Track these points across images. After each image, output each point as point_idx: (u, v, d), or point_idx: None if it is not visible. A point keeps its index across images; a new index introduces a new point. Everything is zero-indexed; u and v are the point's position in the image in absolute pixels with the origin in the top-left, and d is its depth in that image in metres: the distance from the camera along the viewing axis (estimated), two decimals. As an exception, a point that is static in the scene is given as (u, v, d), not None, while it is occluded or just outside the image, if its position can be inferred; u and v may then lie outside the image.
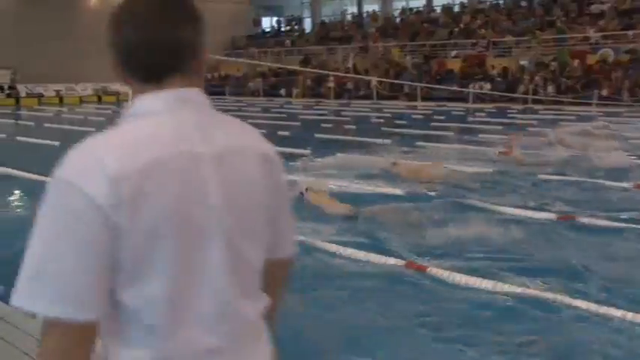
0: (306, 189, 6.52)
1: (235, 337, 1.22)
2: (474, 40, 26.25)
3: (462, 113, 18.76)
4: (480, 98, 22.10)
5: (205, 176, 1.16)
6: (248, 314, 1.25)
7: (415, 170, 8.16)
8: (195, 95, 1.22)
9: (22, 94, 28.08)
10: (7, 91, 27.81)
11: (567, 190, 7.36)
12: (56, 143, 11.16)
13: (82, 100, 28.93)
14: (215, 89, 31.53)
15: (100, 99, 29.64)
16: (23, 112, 22.94)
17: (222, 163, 1.18)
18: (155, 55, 1.19)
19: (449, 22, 29.39)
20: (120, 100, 28.52)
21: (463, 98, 22.27)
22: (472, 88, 22.14)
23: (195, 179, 1.15)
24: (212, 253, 1.16)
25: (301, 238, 5.29)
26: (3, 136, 14.38)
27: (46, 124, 17.17)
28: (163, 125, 1.16)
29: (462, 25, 28.22)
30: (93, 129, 14.74)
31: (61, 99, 28.67)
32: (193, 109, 1.20)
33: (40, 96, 28.27)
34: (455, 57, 26.14)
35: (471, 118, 17.02)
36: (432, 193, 7.11)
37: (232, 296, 1.20)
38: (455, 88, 21.62)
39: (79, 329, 1.08)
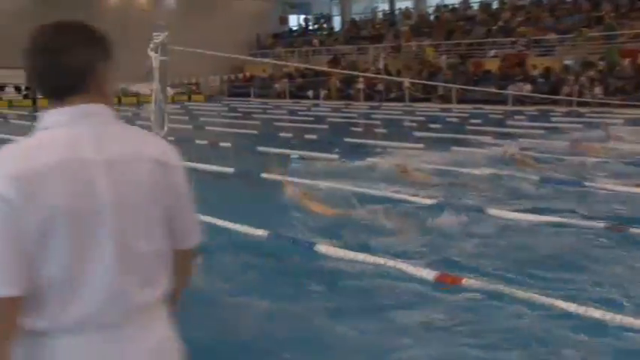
0: (303, 192, 6.95)
1: (125, 317, 1.52)
2: (514, 39, 26.01)
3: (500, 116, 18.58)
4: (519, 100, 21.87)
5: (95, 179, 1.46)
6: (140, 298, 1.54)
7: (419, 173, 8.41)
8: (97, 109, 1.53)
9: (39, 95, 28.65)
10: (24, 92, 28.36)
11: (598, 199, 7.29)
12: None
13: (100, 102, 29.42)
14: (239, 91, 31.81)
15: (119, 100, 30.07)
16: (41, 114, 23.39)
17: (113, 168, 1.48)
18: (58, 78, 1.52)
19: (487, 19, 29.19)
20: (140, 102, 28.94)
21: (502, 100, 22.03)
22: (511, 90, 21.94)
23: (85, 182, 1.46)
24: (103, 245, 1.47)
25: (324, 249, 5.32)
26: (18, 139, 14.71)
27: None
28: (61, 135, 1.49)
29: (500, 23, 28.00)
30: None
31: (79, 100, 29.22)
32: (93, 121, 1.52)
33: (58, 97, 28.84)
34: (493, 57, 25.94)
35: (509, 122, 16.85)
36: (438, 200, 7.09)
37: (123, 282, 1.50)
38: (493, 89, 21.45)
39: (7, 303, 1.39)
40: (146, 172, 1.53)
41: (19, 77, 28.12)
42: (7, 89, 28.52)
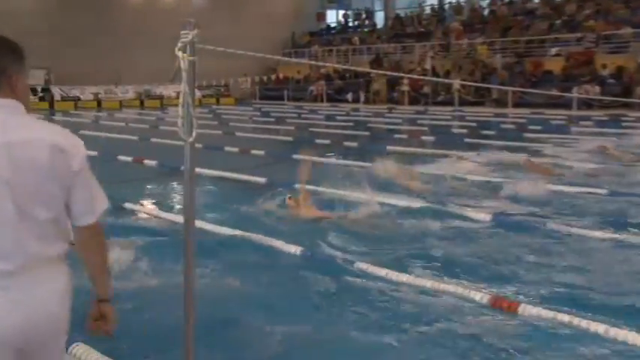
0: (289, 197, 7.20)
1: (26, 266, 2.06)
2: (580, 34, 25.65)
3: (562, 122, 18.34)
4: (586, 104, 21.52)
5: None
6: (39, 252, 2.08)
7: (397, 174, 8.73)
8: (6, 102, 2.08)
9: (57, 97, 29.34)
10: (40, 94, 29.04)
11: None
12: (94, 153, 11.64)
13: (122, 105, 30.03)
14: (272, 93, 32.08)
15: (142, 103, 30.71)
16: (58, 117, 24.01)
17: (12, 149, 2.01)
18: None
19: (549, 12, 28.87)
20: (164, 105, 29.45)
21: (565, 104, 21.77)
22: (577, 92, 21.63)
23: None
24: (5, 209, 2.02)
25: (362, 265, 5.33)
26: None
27: (83, 131, 17.90)
28: None
29: (565, 17, 27.66)
30: (135, 137, 15.28)
31: (99, 103, 29.86)
32: (1, 111, 2.05)
33: (76, 99, 29.49)
34: (555, 55, 25.63)
35: (574, 128, 16.62)
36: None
37: (22, 236, 2.04)
38: (554, 92, 21.19)
39: None
40: (44, 155, 2.05)
41: (35, 78, 28.96)
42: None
